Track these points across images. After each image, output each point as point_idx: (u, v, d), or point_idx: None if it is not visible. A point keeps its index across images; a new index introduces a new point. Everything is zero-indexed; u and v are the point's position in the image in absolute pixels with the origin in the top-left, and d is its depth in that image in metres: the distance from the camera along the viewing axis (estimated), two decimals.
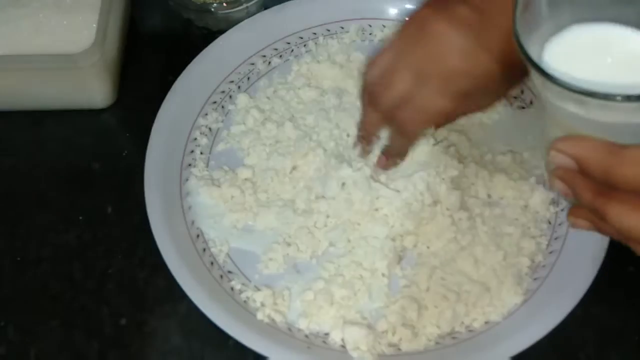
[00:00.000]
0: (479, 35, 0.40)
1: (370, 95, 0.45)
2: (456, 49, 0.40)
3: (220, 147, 0.54)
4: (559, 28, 0.34)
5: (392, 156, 0.48)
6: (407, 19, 0.43)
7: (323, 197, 0.50)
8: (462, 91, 0.41)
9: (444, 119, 0.44)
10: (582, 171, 0.33)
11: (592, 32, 0.34)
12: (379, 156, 0.49)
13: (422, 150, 0.50)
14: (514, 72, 0.41)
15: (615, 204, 0.32)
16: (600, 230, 0.35)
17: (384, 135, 0.48)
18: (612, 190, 0.32)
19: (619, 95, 0.29)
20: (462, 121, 0.54)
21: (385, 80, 0.43)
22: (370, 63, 0.45)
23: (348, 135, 0.52)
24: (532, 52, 0.32)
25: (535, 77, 0.33)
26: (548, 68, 0.32)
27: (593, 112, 0.31)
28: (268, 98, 0.56)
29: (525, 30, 0.33)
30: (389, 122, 0.45)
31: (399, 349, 0.45)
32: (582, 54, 0.34)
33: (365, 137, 0.49)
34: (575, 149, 0.33)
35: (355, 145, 0.50)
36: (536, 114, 0.54)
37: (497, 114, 0.54)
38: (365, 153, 0.50)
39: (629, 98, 0.29)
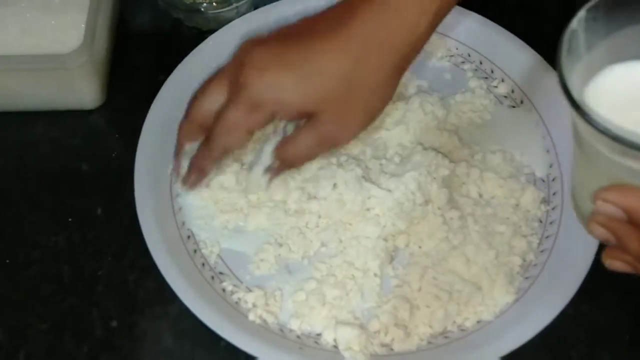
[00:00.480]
0: (285, 54, 0.44)
1: (189, 114, 0.48)
2: (256, 70, 0.44)
3: None
4: (595, 70, 0.33)
5: (195, 171, 0.48)
6: (239, 48, 0.46)
7: (314, 197, 0.49)
8: (251, 104, 0.44)
9: (243, 129, 0.45)
10: (631, 220, 0.33)
11: (629, 73, 0.33)
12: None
13: (413, 150, 0.50)
14: (314, 92, 0.44)
15: None
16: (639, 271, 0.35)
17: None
18: None
19: None
20: (453, 120, 0.54)
21: (201, 100, 0.47)
22: (199, 97, 0.48)
23: None
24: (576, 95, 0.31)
25: (580, 124, 0.32)
26: (598, 117, 0.30)
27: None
28: None
29: (568, 74, 0.32)
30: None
31: (392, 349, 0.45)
32: (624, 99, 0.33)
33: (198, 173, 0.49)
34: (626, 200, 0.33)
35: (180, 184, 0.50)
36: (526, 113, 0.54)
37: (488, 113, 0.54)
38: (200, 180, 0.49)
39: None
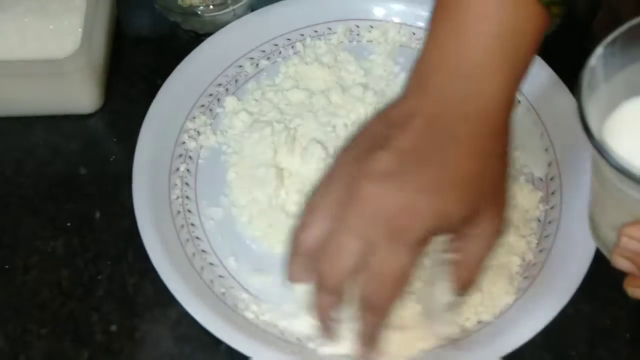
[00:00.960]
0: (409, 181, 0.36)
1: (317, 277, 0.39)
2: (392, 205, 0.36)
3: (208, 150, 0.54)
4: (613, 103, 0.33)
5: (366, 343, 0.40)
6: (332, 167, 0.39)
7: None
8: (414, 241, 0.36)
9: (407, 277, 0.38)
10: None
11: None
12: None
13: None
14: (476, 192, 0.38)
15: None
16: None
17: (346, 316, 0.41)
18: None
19: None
20: None
21: (329, 255, 0.38)
22: (301, 231, 0.39)
23: (338, 138, 0.52)
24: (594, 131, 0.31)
25: (603, 166, 0.31)
26: (626, 164, 0.30)
27: None
28: (256, 100, 0.56)
29: (587, 110, 0.32)
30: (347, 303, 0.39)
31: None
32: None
33: (326, 326, 0.41)
34: None
35: (319, 338, 0.43)
36: (524, 112, 0.54)
37: None
38: (333, 339, 0.42)
39: None
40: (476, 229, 0.38)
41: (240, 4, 0.59)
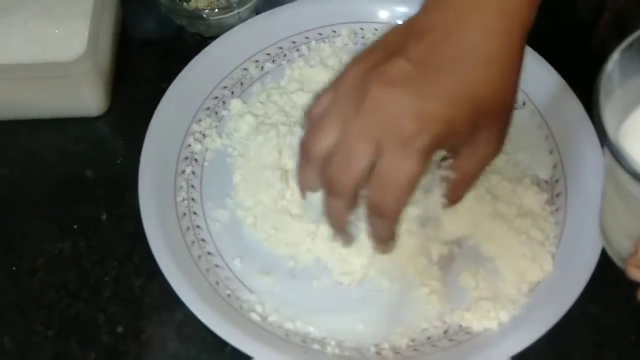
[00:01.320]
0: (423, 88, 0.36)
1: (328, 183, 0.38)
2: (403, 110, 0.36)
3: (213, 153, 0.54)
4: (629, 107, 0.33)
5: (380, 241, 0.40)
6: (341, 73, 0.39)
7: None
8: (425, 149, 0.36)
9: (415, 184, 0.37)
10: None
11: None
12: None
13: None
14: (488, 113, 0.37)
15: None
16: None
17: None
18: None
19: None
20: None
21: (340, 159, 0.37)
22: (312, 136, 0.39)
23: None
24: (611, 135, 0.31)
25: (619, 171, 0.31)
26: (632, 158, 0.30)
27: None
28: (261, 103, 0.56)
29: (606, 119, 0.32)
30: (358, 206, 0.39)
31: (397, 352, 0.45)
32: None
33: (342, 231, 0.41)
34: None
35: (334, 239, 0.42)
36: (529, 114, 0.54)
37: None
38: (349, 241, 0.42)
39: None
40: (474, 148, 0.38)
41: (246, 7, 0.60)
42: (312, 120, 0.39)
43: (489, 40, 0.37)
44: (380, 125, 0.36)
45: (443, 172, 0.40)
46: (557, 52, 0.49)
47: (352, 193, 0.38)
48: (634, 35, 0.33)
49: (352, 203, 0.39)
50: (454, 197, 0.41)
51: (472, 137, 0.38)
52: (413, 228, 0.46)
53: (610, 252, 0.39)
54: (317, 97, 0.40)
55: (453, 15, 0.38)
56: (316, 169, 0.39)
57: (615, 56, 0.33)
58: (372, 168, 0.37)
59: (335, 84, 0.39)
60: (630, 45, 0.33)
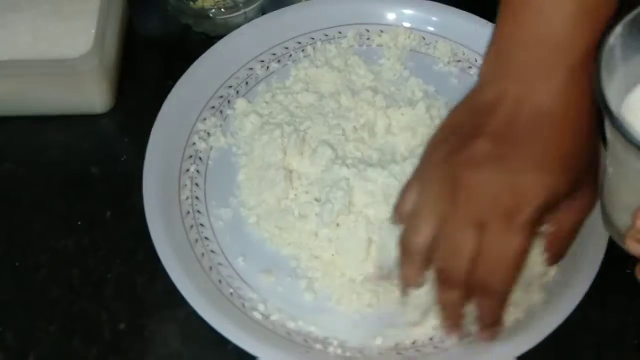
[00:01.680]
0: (511, 163, 0.36)
1: (440, 275, 0.39)
2: (499, 190, 0.36)
3: (218, 152, 0.54)
4: (631, 83, 0.33)
5: (487, 325, 0.40)
6: (421, 166, 0.39)
7: (320, 200, 0.50)
8: (527, 221, 0.36)
9: (524, 259, 0.38)
10: None
11: None
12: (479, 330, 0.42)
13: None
14: (576, 164, 0.37)
15: None
16: None
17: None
18: None
19: None
20: None
21: (447, 250, 0.38)
22: (410, 236, 0.39)
23: (347, 140, 0.52)
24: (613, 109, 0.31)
25: (618, 142, 0.31)
26: (636, 134, 0.30)
27: None
28: (266, 103, 0.56)
29: (605, 87, 0.32)
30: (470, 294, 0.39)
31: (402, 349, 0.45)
32: None
33: (454, 320, 0.41)
34: None
35: (447, 333, 0.42)
36: None
37: None
38: (461, 333, 0.42)
39: None
40: (573, 200, 0.38)
41: (252, 7, 0.60)
42: (404, 219, 0.39)
43: (561, 101, 0.37)
44: (479, 210, 0.36)
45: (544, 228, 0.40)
46: None
47: (465, 281, 0.38)
48: (638, 10, 0.33)
49: (467, 293, 0.38)
50: (557, 253, 0.41)
51: (574, 191, 0.38)
52: None
53: (609, 230, 0.38)
54: (403, 193, 0.40)
55: (518, 83, 0.37)
56: (419, 265, 0.39)
57: (617, 29, 0.33)
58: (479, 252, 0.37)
59: (418, 178, 0.39)
60: (634, 19, 0.33)
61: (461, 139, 0.37)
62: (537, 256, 0.41)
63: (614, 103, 0.32)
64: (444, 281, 0.39)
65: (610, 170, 0.36)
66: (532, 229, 0.37)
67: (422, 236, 0.38)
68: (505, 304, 0.39)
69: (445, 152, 0.38)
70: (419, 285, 0.40)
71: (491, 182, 0.36)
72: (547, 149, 0.36)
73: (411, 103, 0.54)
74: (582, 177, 0.38)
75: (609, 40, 0.33)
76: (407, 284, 0.41)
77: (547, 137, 0.37)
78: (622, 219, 0.36)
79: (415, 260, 0.39)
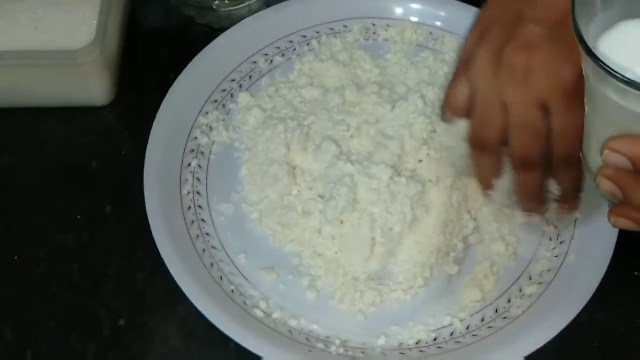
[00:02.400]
0: (563, 45, 0.37)
1: (517, 160, 0.40)
2: (557, 68, 0.38)
3: (220, 146, 0.53)
4: (611, 23, 0.34)
5: (570, 198, 0.43)
6: (467, 60, 0.40)
7: (324, 196, 0.49)
8: (573, 96, 0.38)
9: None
10: (638, 172, 0.33)
11: None
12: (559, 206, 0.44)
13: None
14: None
15: None
16: None
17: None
18: None
19: None
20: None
21: (520, 135, 0.39)
22: (481, 128, 0.40)
23: (352, 136, 0.52)
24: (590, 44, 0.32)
25: (591, 71, 0.32)
26: (609, 62, 0.31)
27: None
28: (270, 97, 0.55)
29: (583, 23, 0.32)
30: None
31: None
32: (637, 49, 0.33)
33: (537, 201, 0.43)
34: (633, 148, 0.33)
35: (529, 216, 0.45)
36: None
37: None
38: (543, 209, 0.44)
39: None
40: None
41: None
42: (462, 112, 0.40)
43: None
44: (544, 90, 0.38)
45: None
46: None
47: (542, 160, 0.40)
48: None
49: (546, 170, 0.40)
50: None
51: None
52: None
53: (588, 177, 0.38)
54: (451, 88, 0.41)
55: None
56: (496, 155, 0.41)
57: None
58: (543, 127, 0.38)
59: (465, 70, 0.40)
60: None
61: (506, 28, 0.38)
62: None
63: (591, 40, 0.33)
64: (523, 164, 0.40)
65: (587, 114, 0.36)
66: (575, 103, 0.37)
67: (494, 127, 0.39)
68: (581, 172, 0.39)
69: (493, 41, 0.39)
70: (499, 175, 0.41)
71: (551, 61, 0.37)
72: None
73: (418, 99, 0.54)
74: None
75: None
76: (488, 176, 0.42)
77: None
78: (596, 162, 0.35)
79: (492, 151, 0.40)
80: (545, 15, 0.38)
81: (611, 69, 0.31)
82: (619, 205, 0.35)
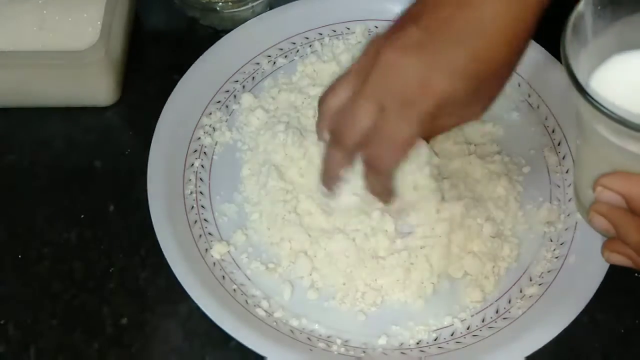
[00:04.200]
0: (432, 56, 0.38)
1: (333, 133, 0.42)
2: (410, 76, 0.38)
3: (223, 147, 0.54)
4: (603, 58, 0.33)
5: (377, 196, 0.44)
6: (365, 46, 0.42)
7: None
8: (424, 114, 0.38)
9: (411, 146, 0.41)
10: (631, 209, 0.32)
11: (635, 61, 0.33)
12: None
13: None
14: (486, 84, 0.39)
15: None
16: (638, 266, 0.34)
17: (349, 176, 0.44)
18: None
19: None
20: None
21: (346, 115, 0.41)
22: (327, 95, 0.43)
23: None
24: (581, 80, 0.31)
25: (583, 107, 0.31)
26: (602, 100, 0.30)
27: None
28: (273, 98, 0.56)
29: (573, 57, 0.32)
30: (357, 160, 0.42)
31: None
32: (631, 88, 0.33)
33: (330, 179, 0.45)
34: (626, 186, 0.32)
35: (321, 187, 0.46)
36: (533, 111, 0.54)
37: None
38: (331, 193, 0.46)
39: None
40: (461, 111, 0.41)
41: (260, 1, 0.59)
42: (333, 84, 0.43)
43: (502, 12, 0.38)
44: (386, 88, 0.39)
45: None
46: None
47: (352, 147, 0.41)
48: None
49: (350, 157, 0.42)
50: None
51: (466, 105, 0.40)
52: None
53: (579, 210, 0.38)
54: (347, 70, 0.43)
55: None
56: (327, 117, 0.42)
57: (582, 5, 0.33)
58: (374, 129, 0.40)
59: (359, 56, 0.42)
60: None
61: (400, 24, 0.40)
62: None
63: (583, 74, 0.32)
64: (334, 141, 0.42)
65: (578, 148, 0.36)
66: (424, 121, 0.39)
67: (333, 99, 0.42)
68: (390, 178, 0.42)
69: (385, 35, 0.40)
70: (324, 139, 0.43)
71: (406, 68, 0.38)
72: (467, 56, 0.37)
73: None
74: (487, 89, 0.40)
75: (579, 7, 0.33)
76: (319, 134, 0.44)
77: (476, 46, 0.38)
78: (588, 196, 0.35)
79: (325, 119, 0.43)
80: (440, 24, 0.38)
81: (603, 106, 0.30)
82: (612, 241, 0.35)
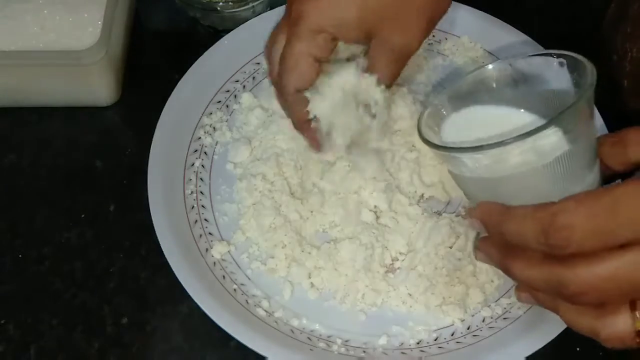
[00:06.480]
0: None
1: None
2: (304, 5, 0.43)
3: (223, 146, 0.54)
4: (450, 113, 0.43)
5: (294, 126, 0.48)
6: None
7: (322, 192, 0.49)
8: (305, 30, 0.43)
9: (306, 59, 0.44)
10: (489, 234, 0.38)
11: (464, 116, 0.43)
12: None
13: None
14: (365, 22, 0.43)
15: (516, 261, 0.36)
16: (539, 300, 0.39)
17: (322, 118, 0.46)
18: (512, 249, 0.36)
19: (486, 144, 0.36)
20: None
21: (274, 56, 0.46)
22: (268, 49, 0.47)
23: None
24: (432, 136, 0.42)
25: (436, 155, 0.43)
26: (437, 140, 0.41)
27: (480, 169, 0.38)
28: (272, 97, 0.56)
29: (426, 127, 0.42)
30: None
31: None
32: (469, 131, 0.41)
33: (300, 125, 0.47)
34: (477, 213, 0.38)
35: (308, 147, 0.48)
36: None
37: None
38: (319, 149, 0.48)
39: (494, 145, 0.36)
40: (381, 41, 0.44)
41: (260, 1, 0.59)
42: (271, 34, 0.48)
43: None
44: (291, 22, 0.43)
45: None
46: (558, 43, 0.48)
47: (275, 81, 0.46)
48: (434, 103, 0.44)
49: (295, 97, 0.45)
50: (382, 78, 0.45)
51: (372, 35, 0.44)
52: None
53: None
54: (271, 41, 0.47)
55: None
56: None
57: (427, 111, 0.43)
58: None
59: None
60: (438, 102, 0.44)
61: None
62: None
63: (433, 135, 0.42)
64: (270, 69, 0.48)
65: (456, 176, 0.42)
66: (313, 39, 0.43)
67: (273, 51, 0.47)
68: (290, 103, 0.45)
69: None
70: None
71: (302, 5, 0.43)
72: None
73: (419, 101, 0.54)
74: (383, 27, 0.43)
75: (424, 114, 0.43)
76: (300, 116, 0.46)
77: None
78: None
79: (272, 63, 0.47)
80: None
81: (435, 144, 0.40)
82: (485, 241, 0.40)
